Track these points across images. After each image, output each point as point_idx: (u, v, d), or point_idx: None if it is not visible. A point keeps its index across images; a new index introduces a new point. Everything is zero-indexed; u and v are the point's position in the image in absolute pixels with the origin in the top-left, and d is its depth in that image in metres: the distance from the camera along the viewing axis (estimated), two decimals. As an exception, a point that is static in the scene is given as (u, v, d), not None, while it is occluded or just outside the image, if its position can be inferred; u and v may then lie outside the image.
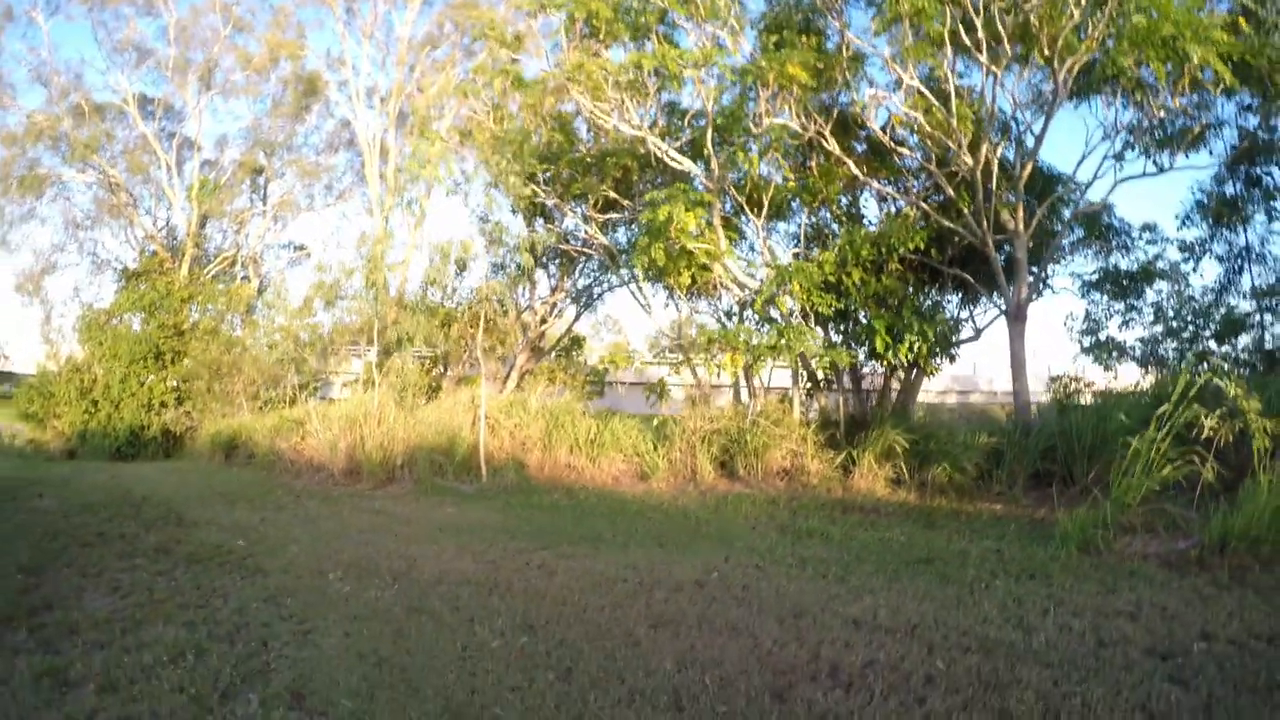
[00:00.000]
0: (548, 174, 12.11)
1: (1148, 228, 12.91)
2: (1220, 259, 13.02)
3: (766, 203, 10.41)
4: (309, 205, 20.20)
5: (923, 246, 9.72)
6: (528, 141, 11.42)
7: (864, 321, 9.85)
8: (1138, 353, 12.40)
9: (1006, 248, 10.58)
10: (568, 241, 14.57)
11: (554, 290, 16.01)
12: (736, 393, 12.50)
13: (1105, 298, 12.89)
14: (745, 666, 3.80)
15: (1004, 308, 10.61)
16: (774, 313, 10.09)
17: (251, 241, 19.85)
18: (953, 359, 11.18)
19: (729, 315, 11.65)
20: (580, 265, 15.54)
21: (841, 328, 10.92)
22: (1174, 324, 12.35)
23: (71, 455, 17.31)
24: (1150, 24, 7.81)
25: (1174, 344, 12.14)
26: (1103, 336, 12.72)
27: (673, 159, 9.93)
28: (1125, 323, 12.82)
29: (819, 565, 5.84)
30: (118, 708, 3.42)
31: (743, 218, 11.63)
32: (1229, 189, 12.39)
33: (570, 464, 11.90)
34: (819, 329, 10.76)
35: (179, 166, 18.80)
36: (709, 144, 9.59)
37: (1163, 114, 9.79)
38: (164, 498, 10.37)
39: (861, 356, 11.00)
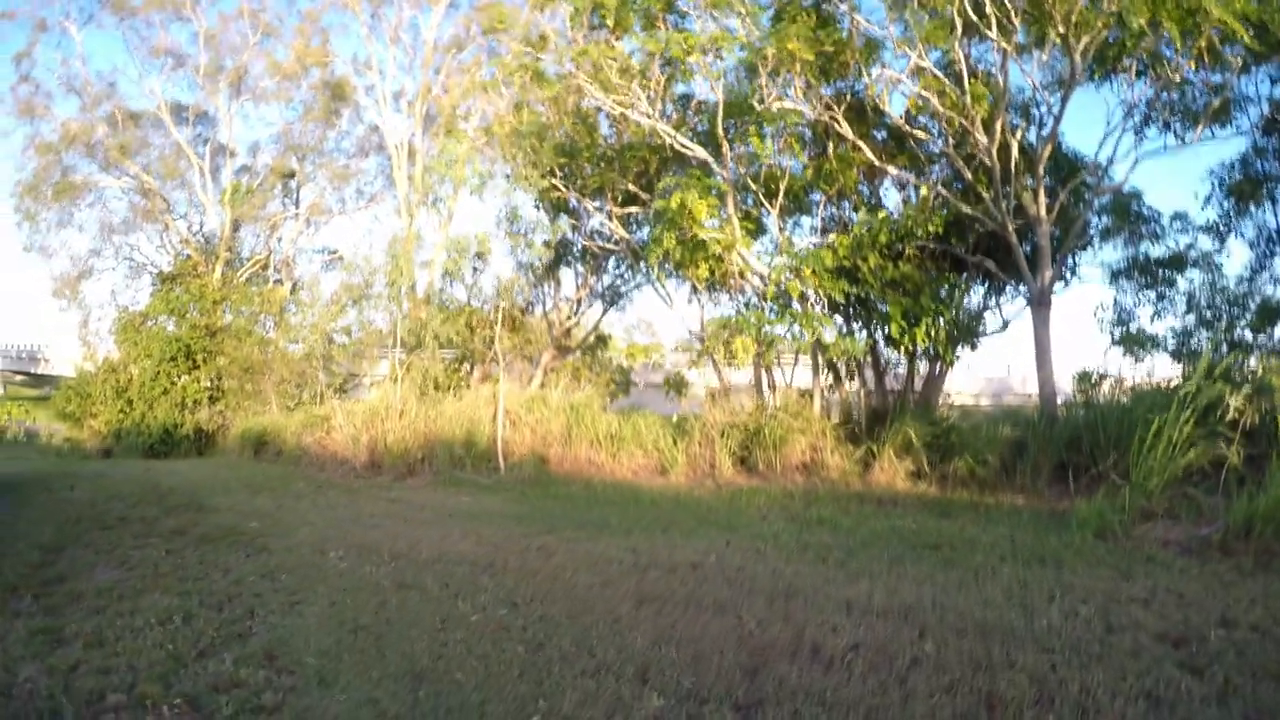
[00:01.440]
0: (567, 169, 12.09)
1: (1178, 216, 12.38)
2: (1250, 243, 12.35)
3: (782, 191, 10.20)
4: (340, 209, 20.64)
5: (941, 231, 9.42)
6: (545, 136, 11.40)
7: (881, 309, 9.56)
8: (1170, 344, 11.80)
9: (1030, 235, 10.21)
10: (593, 239, 14.57)
11: (579, 288, 16.02)
12: (758, 388, 12.30)
13: (1134, 287, 12.33)
14: (723, 644, 3.66)
15: (1028, 296, 10.24)
16: (795, 305, 9.88)
17: (284, 245, 20.36)
18: (974, 347, 10.81)
19: (748, 307, 11.44)
20: (605, 263, 15.50)
21: (860, 315, 10.63)
22: (1207, 314, 11.73)
23: (108, 453, 17.80)
24: None
25: (1208, 334, 11.52)
26: (1133, 328, 12.15)
27: (683, 145, 9.79)
28: (1157, 313, 12.25)
29: (821, 550, 5.65)
30: (99, 660, 3.57)
31: (762, 210, 11.47)
32: (1258, 166, 11.73)
33: (590, 459, 11.88)
34: (837, 317, 10.51)
35: (214, 172, 19.38)
36: (719, 129, 9.43)
37: (1179, 80, 9.33)
38: (189, 488, 10.62)
39: (880, 345, 10.69)
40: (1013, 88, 10.13)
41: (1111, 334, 12.32)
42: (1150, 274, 12.27)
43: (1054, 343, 10.25)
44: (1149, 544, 5.67)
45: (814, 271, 8.99)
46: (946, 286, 9.71)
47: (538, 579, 5.04)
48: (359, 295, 14.17)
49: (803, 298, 9.70)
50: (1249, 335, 11.54)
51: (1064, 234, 10.64)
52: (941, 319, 9.17)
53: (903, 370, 11.90)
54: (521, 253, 14.43)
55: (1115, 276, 12.36)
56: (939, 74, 9.06)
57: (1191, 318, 11.95)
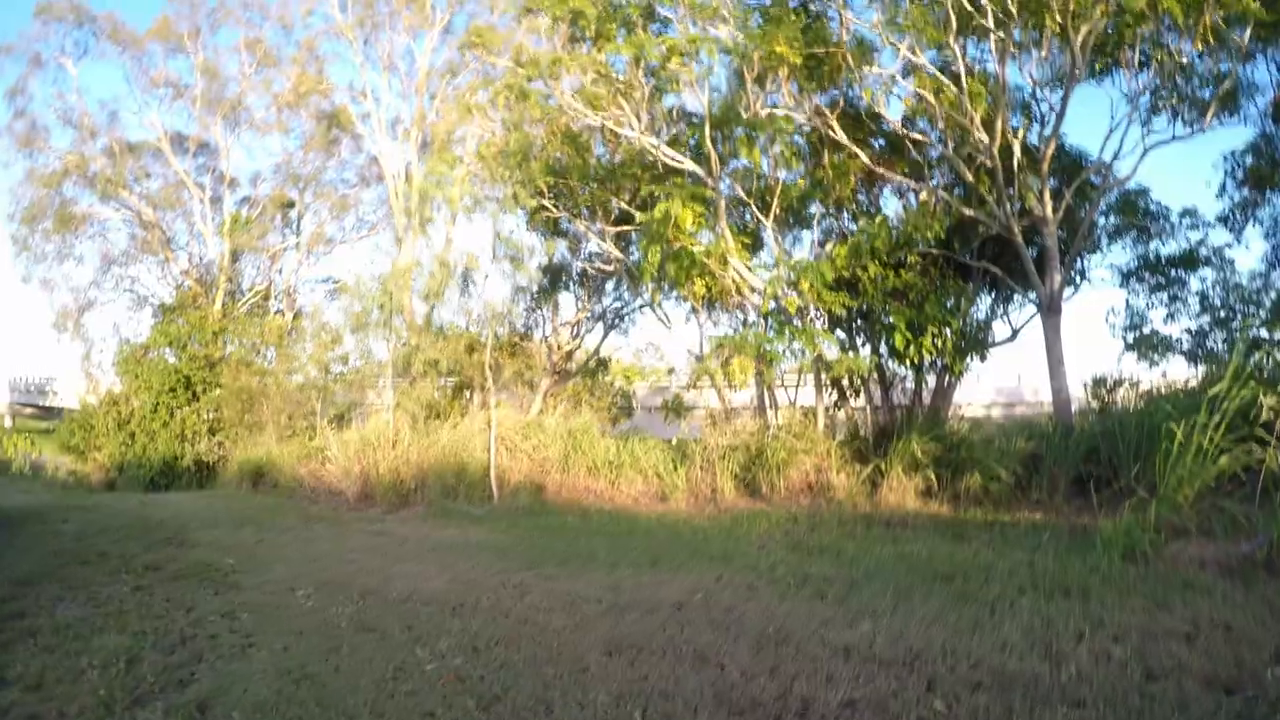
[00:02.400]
0: (559, 189, 11.72)
1: (1188, 212, 11.81)
2: (1266, 233, 11.78)
3: (776, 201, 9.76)
4: (341, 239, 20.48)
5: (943, 235, 8.91)
6: (533, 155, 11.04)
7: (885, 321, 9.06)
8: (1185, 346, 11.21)
9: (1037, 238, 9.71)
10: (592, 261, 14.22)
11: (579, 311, 15.63)
12: (761, 408, 11.79)
13: (1146, 288, 11.78)
14: (698, 701, 3.14)
15: (1038, 302, 9.72)
16: (794, 321, 9.39)
17: (285, 275, 20.17)
18: (984, 358, 10.25)
19: (746, 325, 10.98)
20: (604, 285, 15.10)
21: (864, 329, 10.11)
22: (1222, 314, 11.14)
23: (111, 486, 17.57)
24: None
25: (1223, 335, 10.92)
26: (1147, 330, 11.57)
27: (670, 157, 9.35)
28: (1170, 315, 11.65)
29: (821, 584, 5.09)
30: (34, 704, 3.49)
31: (760, 225, 11.05)
32: (1271, 152, 11.19)
33: (589, 486, 11.40)
34: (839, 332, 10.02)
35: (215, 202, 19.23)
36: (707, 139, 9.00)
37: (1183, 64, 8.85)
38: (176, 521, 10.28)
39: (886, 359, 10.14)
40: (1013, 85, 9.74)
41: (1124, 338, 11.76)
42: (1162, 274, 11.71)
43: (1067, 348, 9.75)
44: (1184, 565, 5.06)
45: (811, 285, 8.49)
46: (952, 295, 9.18)
47: (507, 621, 4.57)
48: (357, 324, 13.82)
49: (801, 313, 9.19)
50: (1264, 333, 10.93)
51: (1071, 235, 10.11)
52: (948, 329, 8.61)
53: (911, 384, 11.37)
54: (518, 276, 14.11)
55: (1126, 278, 11.81)
56: (935, 72, 8.61)
57: (1206, 318, 11.36)
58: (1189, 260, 11.81)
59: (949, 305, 8.80)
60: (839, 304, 8.79)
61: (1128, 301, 11.70)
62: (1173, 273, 11.68)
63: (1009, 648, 3.69)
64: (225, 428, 17.01)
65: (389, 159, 16.85)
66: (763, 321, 9.91)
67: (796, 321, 9.14)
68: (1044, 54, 9.29)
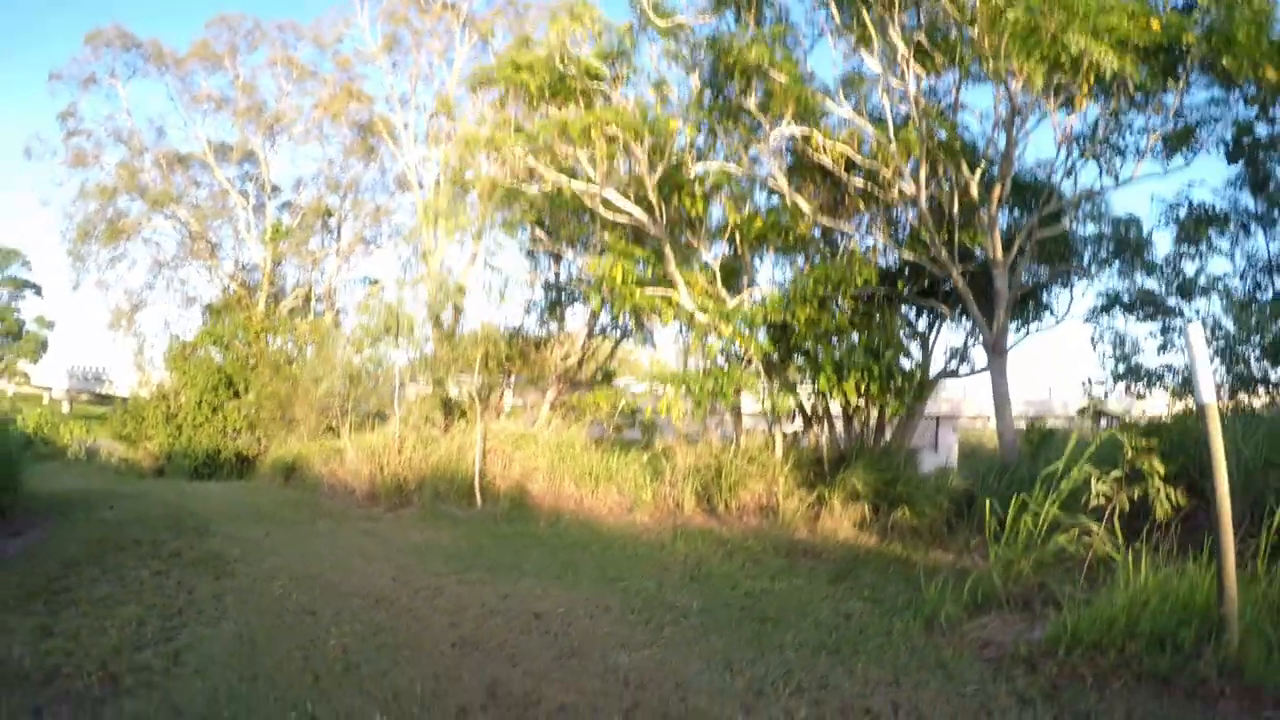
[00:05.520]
0: (551, 220, 13.52)
1: (1188, 238, 12.40)
2: (1241, 275, 12.24)
3: (725, 243, 11.25)
4: (379, 245, 23.07)
5: (874, 282, 10.16)
6: (519, 192, 12.84)
7: (816, 361, 10.40)
8: (1169, 381, 11.65)
9: (989, 278, 10.72)
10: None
11: (588, 324, 17.48)
12: (736, 428, 13.32)
13: (1129, 318, 12.39)
14: (478, 684, 4.87)
15: (985, 343, 10.85)
16: (720, 362, 10.80)
17: (326, 277, 22.93)
18: (921, 398, 11.38)
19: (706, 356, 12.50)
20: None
21: (804, 368, 11.44)
22: (1221, 344, 11.55)
23: (160, 473, 20.70)
24: (1029, 19, 7.78)
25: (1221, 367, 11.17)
26: (1134, 363, 12.14)
27: (617, 206, 10.97)
28: (1163, 347, 12.17)
29: (659, 613, 6.45)
30: (71, 648, 5.29)
31: (740, 267, 12.40)
32: (1242, 198, 11.67)
33: (571, 494, 13.13)
34: (790, 365, 11.38)
35: (258, 209, 22.11)
36: (649, 190, 10.56)
37: (1113, 110, 9.58)
38: (206, 513, 12.54)
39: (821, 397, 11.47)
40: (963, 125, 10.80)
41: (1113, 370, 12.40)
42: (1151, 306, 12.34)
43: (1063, 369, 10.79)
44: (965, 645, 5.38)
45: (736, 329, 9.94)
46: (880, 335, 10.39)
47: (407, 617, 6.39)
48: (371, 337, 16.09)
49: (725, 351, 10.66)
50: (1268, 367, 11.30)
51: (1053, 261, 10.93)
52: (871, 369, 9.79)
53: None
54: (503, 307, 16.09)
55: (1097, 312, 12.55)
56: (859, 120, 9.73)
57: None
58: (1185, 290, 12.43)
59: (875, 350, 10.02)
60: (760, 352, 10.20)
61: (1092, 339, 12.47)
62: (1157, 307, 12.35)
63: (722, 693, 4.63)
64: (263, 424, 19.84)
65: (416, 173, 19.10)
66: (713, 359, 11.45)
67: (721, 362, 10.66)
68: (1016, 87, 10.26)
